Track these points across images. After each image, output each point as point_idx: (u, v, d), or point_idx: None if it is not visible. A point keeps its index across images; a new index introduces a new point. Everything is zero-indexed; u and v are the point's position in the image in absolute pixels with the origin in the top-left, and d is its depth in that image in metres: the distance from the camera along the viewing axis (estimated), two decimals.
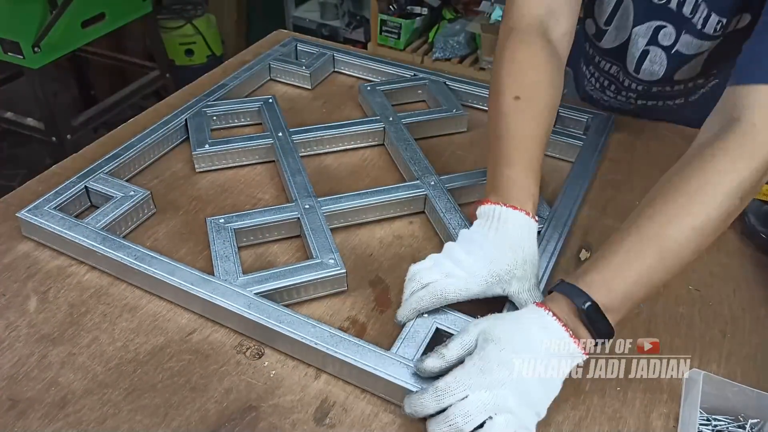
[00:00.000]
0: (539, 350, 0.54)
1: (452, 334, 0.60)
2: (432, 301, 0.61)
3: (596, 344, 0.56)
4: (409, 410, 0.54)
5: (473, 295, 0.62)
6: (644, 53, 0.81)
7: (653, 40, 0.79)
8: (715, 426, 0.56)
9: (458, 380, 0.52)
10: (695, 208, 0.56)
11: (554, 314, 0.55)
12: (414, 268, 0.65)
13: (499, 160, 0.67)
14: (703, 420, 0.56)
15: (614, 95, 0.92)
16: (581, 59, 0.96)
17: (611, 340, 0.57)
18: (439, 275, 0.62)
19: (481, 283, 0.61)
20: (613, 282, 0.55)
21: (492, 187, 0.66)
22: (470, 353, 0.55)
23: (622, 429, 0.57)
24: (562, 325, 0.55)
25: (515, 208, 0.63)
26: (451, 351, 0.55)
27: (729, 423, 0.56)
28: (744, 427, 0.56)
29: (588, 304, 0.54)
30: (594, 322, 0.54)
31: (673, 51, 0.79)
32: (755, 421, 0.56)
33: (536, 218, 0.65)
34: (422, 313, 0.63)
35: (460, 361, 0.55)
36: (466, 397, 0.52)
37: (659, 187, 0.59)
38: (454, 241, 0.66)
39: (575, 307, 0.55)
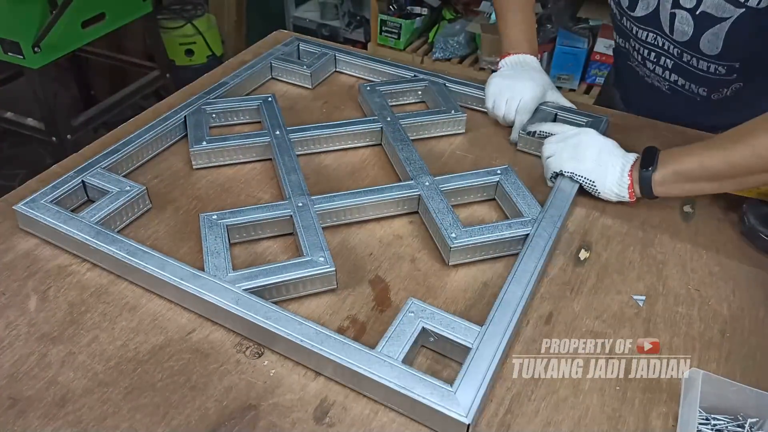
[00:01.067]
0: (608, 170, 0.79)
1: (438, 334, 0.61)
2: (525, 114, 0.92)
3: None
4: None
5: (541, 97, 0.94)
6: (672, 15, 0.85)
7: (676, 4, 0.84)
8: (715, 425, 0.56)
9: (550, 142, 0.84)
10: None
11: (633, 163, 0.78)
12: (491, 109, 0.95)
13: (506, 29, 0.99)
14: (703, 419, 0.56)
15: (654, 64, 0.95)
16: (621, 39, 1.00)
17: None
18: (511, 94, 0.92)
19: (541, 88, 0.93)
20: (681, 176, 0.74)
21: (507, 46, 0.98)
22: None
23: (621, 429, 0.57)
24: (629, 174, 0.78)
25: (530, 54, 0.97)
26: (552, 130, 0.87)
27: (728, 422, 0.56)
28: (743, 427, 0.56)
29: (647, 172, 0.75)
30: (644, 185, 0.76)
31: (698, 12, 0.82)
32: (754, 420, 0.56)
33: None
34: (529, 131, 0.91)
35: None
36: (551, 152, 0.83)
37: (757, 120, 0.70)
38: (447, 242, 0.71)
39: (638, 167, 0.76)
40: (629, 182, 0.77)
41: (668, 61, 0.92)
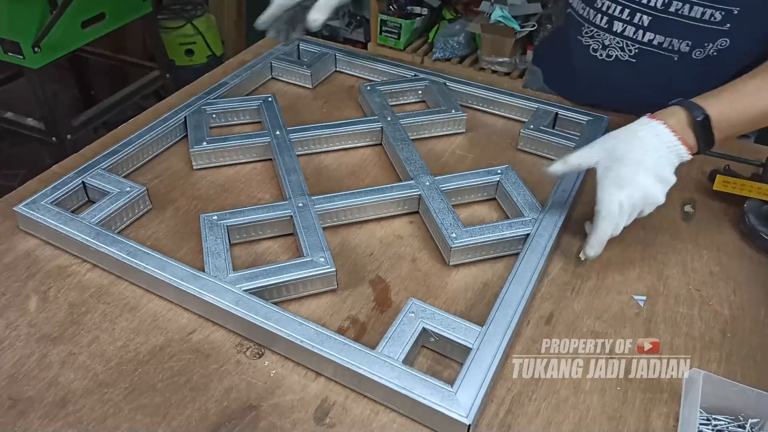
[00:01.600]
0: (654, 155, 0.68)
1: (439, 334, 0.61)
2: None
3: (698, 150, 0.70)
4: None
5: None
6: None
7: None
8: (715, 426, 0.56)
9: (601, 195, 0.69)
10: None
11: (665, 123, 0.69)
12: None
13: None
14: (703, 420, 0.56)
15: (625, 24, 0.91)
16: (584, 3, 0.96)
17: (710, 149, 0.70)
18: None
19: None
20: (728, 111, 0.69)
21: None
22: (588, 164, 0.71)
23: (622, 429, 0.57)
24: (672, 131, 0.69)
25: None
26: (573, 159, 0.72)
27: (729, 423, 0.56)
28: (744, 427, 0.56)
29: (703, 116, 0.68)
30: (705, 132, 0.69)
31: None
32: (755, 420, 0.56)
33: None
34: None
35: (580, 168, 0.72)
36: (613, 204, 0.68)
37: None
38: (448, 242, 0.71)
39: (691, 118, 0.69)
40: (676, 138, 0.69)
41: (645, 17, 0.89)
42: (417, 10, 2.39)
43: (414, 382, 0.56)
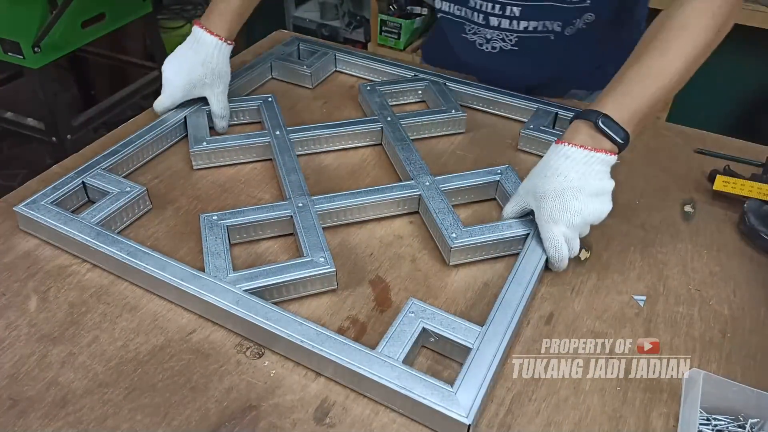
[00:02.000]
0: (574, 176, 0.68)
1: (439, 334, 0.61)
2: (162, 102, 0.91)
3: (619, 150, 0.69)
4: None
5: (179, 99, 0.91)
6: None
7: None
8: (715, 426, 0.56)
9: (543, 234, 0.70)
10: (683, 41, 0.71)
11: (570, 143, 0.69)
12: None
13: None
14: (703, 420, 0.56)
15: (499, 18, 0.94)
16: (457, 5, 0.98)
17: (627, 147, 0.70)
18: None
19: (183, 90, 0.90)
20: (622, 101, 0.69)
21: (205, 15, 0.91)
22: (524, 209, 0.73)
23: (622, 429, 0.57)
24: (580, 147, 0.68)
25: (211, 32, 0.89)
26: (506, 213, 0.75)
27: (729, 423, 0.56)
28: (744, 427, 0.56)
29: (601, 117, 0.68)
30: (611, 128, 0.68)
31: None
32: (755, 420, 0.56)
33: (231, 42, 0.92)
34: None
35: (518, 216, 0.75)
36: (556, 239, 0.69)
37: (652, 29, 0.73)
38: (447, 242, 0.71)
39: (593, 124, 0.69)
40: (587, 150, 0.69)
41: (515, 8, 0.91)
42: (417, 10, 2.39)
43: (414, 382, 0.56)
